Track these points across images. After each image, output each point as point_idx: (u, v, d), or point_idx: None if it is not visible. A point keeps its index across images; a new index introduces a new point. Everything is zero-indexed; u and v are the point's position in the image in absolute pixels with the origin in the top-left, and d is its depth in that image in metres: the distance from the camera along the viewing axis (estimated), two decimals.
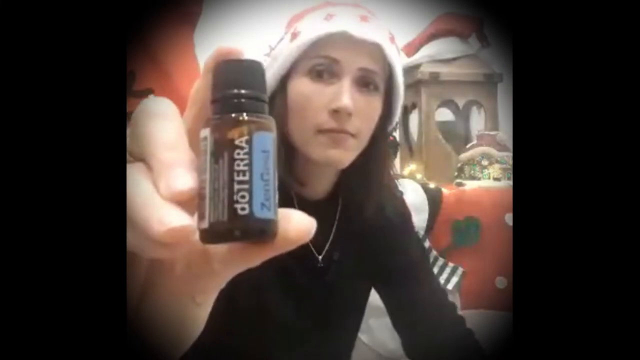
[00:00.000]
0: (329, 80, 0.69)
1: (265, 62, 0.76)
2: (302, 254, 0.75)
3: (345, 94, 0.67)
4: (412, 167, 1.57)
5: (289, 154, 0.72)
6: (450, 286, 1.35)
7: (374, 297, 1.36)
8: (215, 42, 1.09)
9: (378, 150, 0.75)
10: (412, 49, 1.69)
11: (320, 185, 0.76)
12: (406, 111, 1.77)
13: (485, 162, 1.48)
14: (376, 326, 1.38)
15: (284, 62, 0.70)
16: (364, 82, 0.70)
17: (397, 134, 1.68)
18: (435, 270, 1.36)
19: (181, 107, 1.18)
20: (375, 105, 0.71)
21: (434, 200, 1.38)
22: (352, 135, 0.69)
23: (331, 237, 0.77)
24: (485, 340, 1.32)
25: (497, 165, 1.47)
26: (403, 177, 1.49)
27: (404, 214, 0.86)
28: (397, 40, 0.79)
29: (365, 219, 0.76)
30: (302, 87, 0.69)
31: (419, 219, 1.36)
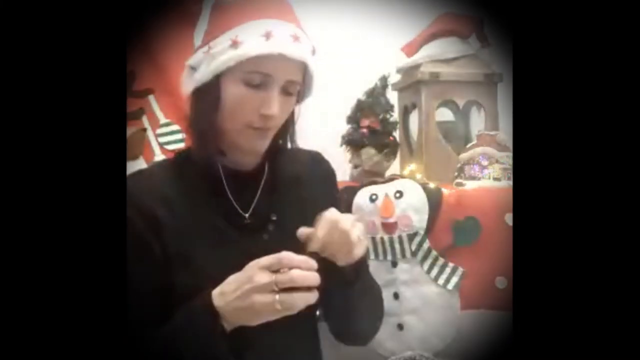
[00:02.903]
0: (260, 88, 0.84)
1: (199, 54, 0.87)
2: (228, 212, 0.89)
3: (274, 103, 0.84)
4: (412, 167, 1.57)
5: (219, 139, 0.89)
6: (450, 286, 1.35)
7: None
8: None
9: (287, 124, 0.94)
10: (412, 49, 1.68)
11: (248, 162, 0.92)
12: (406, 111, 1.76)
13: (485, 162, 1.48)
14: None
15: (221, 65, 0.84)
16: (287, 90, 0.86)
17: (397, 134, 1.68)
18: (435, 270, 1.36)
19: (181, 106, 1.19)
20: (292, 103, 0.89)
21: (434, 200, 1.37)
22: (273, 128, 0.89)
23: (256, 198, 0.92)
24: (485, 340, 1.32)
25: (497, 165, 1.47)
26: (403, 177, 1.49)
27: (328, 175, 1.03)
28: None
29: (286, 180, 0.95)
30: (236, 91, 0.84)
31: (419, 219, 1.36)
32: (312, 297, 0.74)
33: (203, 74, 0.86)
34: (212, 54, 0.85)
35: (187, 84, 0.90)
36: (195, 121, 0.90)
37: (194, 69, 0.88)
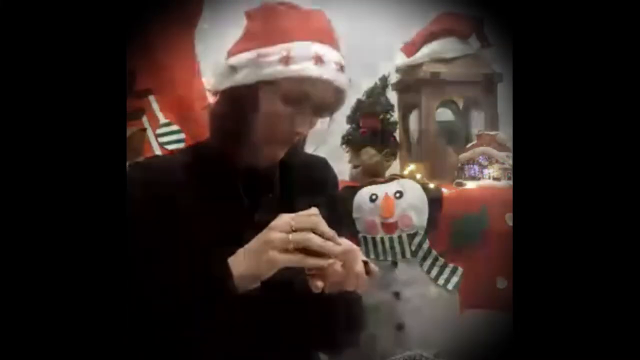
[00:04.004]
0: (295, 105, 0.87)
1: (244, 58, 0.88)
2: (238, 208, 0.90)
3: (306, 122, 0.88)
4: (412, 167, 1.57)
5: (242, 141, 0.90)
6: (450, 286, 1.35)
7: (373, 297, 1.36)
8: (215, 42, 1.10)
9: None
10: (412, 48, 1.68)
11: (262, 163, 0.94)
12: (406, 111, 1.77)
13: (485, 162, 1.48)
14: (376, 326, 1.38)
15: (268, 75, 0.86)
16: (318, 110, 0.90)
17: (397, 134, 1.68)
18: (435, 270, 1.36)
19: (181, 106, 1.19)
20: (316, 123, 0.92)
21: (434, 200, 1.37)
22: (295, 141, 0.92)
23: (268, 200, 0.93)
24: (485, 340, 1.32)
25: (497, 165, 1.47)
26: (403, 177, 1.49)
27: (331, 182, 1.06)
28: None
29: (296, 183, 0.96)
30: (273, 103, 0.87)
31: (419, 219, 1.36)
32: (326, 244, 0.75)
33: (245, 78, 0.87)
34: (260, 62, 0.86)
35: (223, 81, 0.91)
36: (222, 118, 0.92)
37: (234, 69, 0.89)
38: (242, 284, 0.77)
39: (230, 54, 0.92)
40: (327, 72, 0.86)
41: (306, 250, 0.75)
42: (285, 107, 0.87)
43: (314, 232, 0.75)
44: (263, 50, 0.87)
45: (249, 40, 0.90)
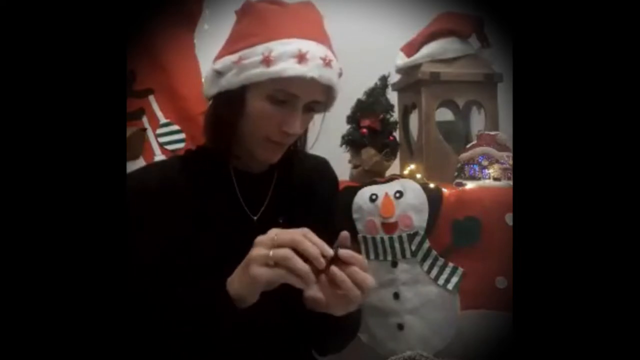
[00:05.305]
0: (284, 106, 0.85)
1: (227, 61, 0.87)
2: (237, 213, 0.91)
3: (297, 121, 0.85)
4: (412, 167, 1.57)
5: (235, 145, 0.90)
6: (450, 286, 1.35)
7: (373, 297, 1.36)
8: (215, 42, 1.10)
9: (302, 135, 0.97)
10: (412, 48, 1.68)
11: (259, 167, 0.94)
12: (406, 111, 1.77)
13: (485, 162, 1.48)
14: (376, 326, 1.38)
15: (250, 78, 0.84)
16: (310, 108, 0.88)
17: (397, 134, 1.68)
18: (435, 270, 1.36)
19: (181, 106, 1.20)
20: (312, 118, 0.91)
21: (434, 200, 1.37)
22: (290, 142, 0.91)
23: (266, 202, 0.93)
24: (485, 340, 1.32)
25: (497, 165, 1.47)
26: (403, 177, 1.49)
27: (332, 183, 1.06)
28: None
29: (295, 185, 0.97)
30: (260, 105, 0.85)
31: (419, 219, 1.36)
32: (304, 268, 0.72)
33: (229, 82, 0.85)
34: (243, 65, 0.84)
35: (211, 87, 0.89)
36: (214, 124, 0.91)
37: (220, 73, 0.87)
38: (241, 304, 0.76)
39: (216, 58, 0.90)
40: (311, 70, 0.82)
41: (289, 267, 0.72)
42: (273, 108, 0.85)
43: (296, 250, 0.72)
44: (245, 52, 0.85)
45: (233, 43, 0.88)
